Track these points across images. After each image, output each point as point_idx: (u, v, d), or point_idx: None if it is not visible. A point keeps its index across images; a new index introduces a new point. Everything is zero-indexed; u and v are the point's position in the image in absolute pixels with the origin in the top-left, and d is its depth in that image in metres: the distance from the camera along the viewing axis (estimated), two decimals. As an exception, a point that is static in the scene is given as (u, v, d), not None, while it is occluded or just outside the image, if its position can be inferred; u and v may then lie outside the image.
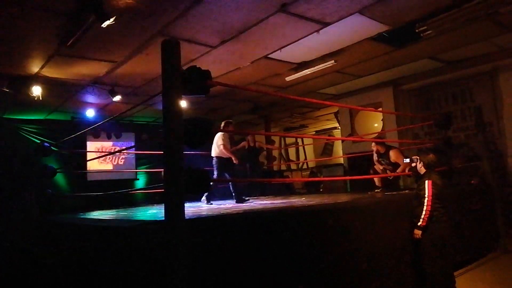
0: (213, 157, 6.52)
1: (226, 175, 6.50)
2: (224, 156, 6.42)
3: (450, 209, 4.60)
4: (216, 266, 2.86)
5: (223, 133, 6.47)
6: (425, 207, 4.24)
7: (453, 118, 7.33)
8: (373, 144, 6.63)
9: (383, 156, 6.47)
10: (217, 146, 6.42)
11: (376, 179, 6.60)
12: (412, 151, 7.23)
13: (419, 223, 4.28)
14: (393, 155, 6.34)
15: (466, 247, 5.59)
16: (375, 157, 6.58)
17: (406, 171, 5.79)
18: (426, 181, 4.34)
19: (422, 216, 4.25)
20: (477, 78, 7.73)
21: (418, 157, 4.63)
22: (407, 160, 5.82)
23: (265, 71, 7.49)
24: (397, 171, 6.21)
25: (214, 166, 6.47)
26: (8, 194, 8.17)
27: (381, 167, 6.57)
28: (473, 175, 6.82)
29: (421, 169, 4.55)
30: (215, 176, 6.41)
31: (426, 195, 4.27)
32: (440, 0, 4.99)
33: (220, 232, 3.06)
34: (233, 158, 6.42)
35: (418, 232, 4.31)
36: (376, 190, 6.52)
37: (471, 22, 5.45)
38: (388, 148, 6.47)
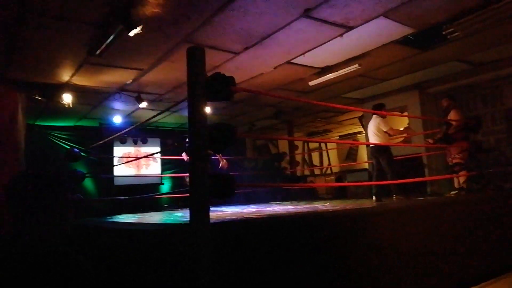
0: (374, 148, 5.98)
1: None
2: (389, 144, 5.92)
3: None
4: (240, 270, 2.87)
5: (379, 119, 6.00)
6: None
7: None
8: (444, 99, 6.38)
9: (444, 112, 6.14)
10: (377, 134, 5.89)
11: (456, 179, 5.98)
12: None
13: None
14: (452, 116, 5.98)
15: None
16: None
17: None
18: None
19: None
20: (507, 80, 7.47)
21: None
22: None
23: (288, 76, 7.49)
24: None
25: (380, 157, 5.86)
26: (42, 198, 8.45)
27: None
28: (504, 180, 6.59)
29: None
30: (385, 168, 5.81)
31: None
32: (468, 0, 4.87)
33: (244, 236, 3.07)
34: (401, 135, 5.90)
35: None
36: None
37: (501, 23, 5.30)
38: (451, 107, 6.12)
